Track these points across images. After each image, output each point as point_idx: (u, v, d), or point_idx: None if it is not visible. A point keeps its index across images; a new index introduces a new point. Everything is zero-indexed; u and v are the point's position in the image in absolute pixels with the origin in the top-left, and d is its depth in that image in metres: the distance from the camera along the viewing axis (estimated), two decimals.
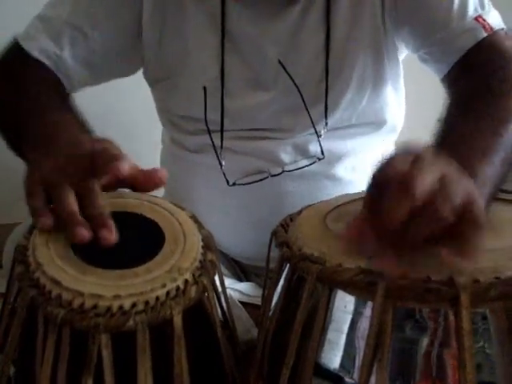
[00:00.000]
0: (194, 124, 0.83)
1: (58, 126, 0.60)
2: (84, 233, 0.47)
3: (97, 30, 0.77)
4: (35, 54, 0.75)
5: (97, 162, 0.50)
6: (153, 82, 0.85)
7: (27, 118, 0.65)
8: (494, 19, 0.72)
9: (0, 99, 0.73)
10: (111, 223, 0.48)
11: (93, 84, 0.83)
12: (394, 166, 0.42)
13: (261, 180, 0.81)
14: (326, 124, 0.79)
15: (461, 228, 0.40)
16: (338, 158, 0.82)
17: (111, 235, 0.47)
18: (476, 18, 0.70)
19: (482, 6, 0.72)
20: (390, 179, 0.41)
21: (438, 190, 0.40)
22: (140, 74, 0.88)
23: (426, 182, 0.40)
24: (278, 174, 0.81)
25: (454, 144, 0.55)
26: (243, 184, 0.81)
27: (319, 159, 0.81)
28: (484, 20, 0.70)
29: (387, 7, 0.74)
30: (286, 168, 0.81)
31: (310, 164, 0.81)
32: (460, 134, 0.57)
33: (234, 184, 0.81)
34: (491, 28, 0.70)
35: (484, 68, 0.68)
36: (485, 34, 0.70)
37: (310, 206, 0.54)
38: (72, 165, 0.51)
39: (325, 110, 0.78)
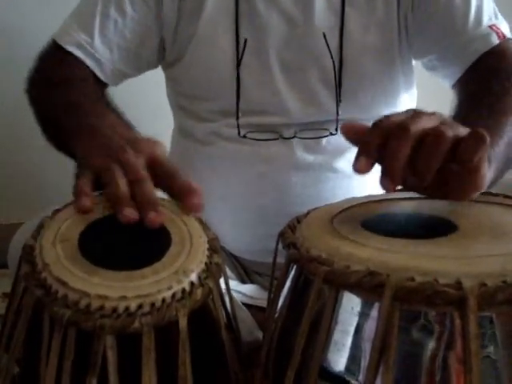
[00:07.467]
0: (205, 103, 0.84)
1: (98, 117, 0.63)
2: (133, 213, 0.49)
3: (125, 16, 0.79)
4: (69, 47, 0.78)
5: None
6: (171, 61, 0.85)
7: (66, 113, 0.67)
8: (505, 29, 0.77)
9: (39, 98, 0.76)
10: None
11: (126, 75, 0.84)
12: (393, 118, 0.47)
13: (271, 140, 0.81)
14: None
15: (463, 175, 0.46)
16: (341, 151, 0.83)
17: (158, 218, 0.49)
18: (490, 26, 0.76)
19: (496, 15, 0.78)
20: (389, 125, 0.46)
21: (439, 124, 0.46)
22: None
23: (421, 123, 0.45)
24: (290, 138, 0.81)
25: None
26: (254, 139, 0.82)
27: (332, 134, 0.81)
28: (498, 28, 0.76)
29: (403, 8, 0.78)
30: (298, 135, 0.81)
31: (322, 137, 0.82)
32: (467, 121, 0.60)
33: (244, 136, 0.82)
34: (504, 36, 0.75)
35: (495, 71, 0.72)
36: (498, 41, 0.75)
37: (316, 208, 0.54)
38: (119, 151, 0.53)
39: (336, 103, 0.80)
